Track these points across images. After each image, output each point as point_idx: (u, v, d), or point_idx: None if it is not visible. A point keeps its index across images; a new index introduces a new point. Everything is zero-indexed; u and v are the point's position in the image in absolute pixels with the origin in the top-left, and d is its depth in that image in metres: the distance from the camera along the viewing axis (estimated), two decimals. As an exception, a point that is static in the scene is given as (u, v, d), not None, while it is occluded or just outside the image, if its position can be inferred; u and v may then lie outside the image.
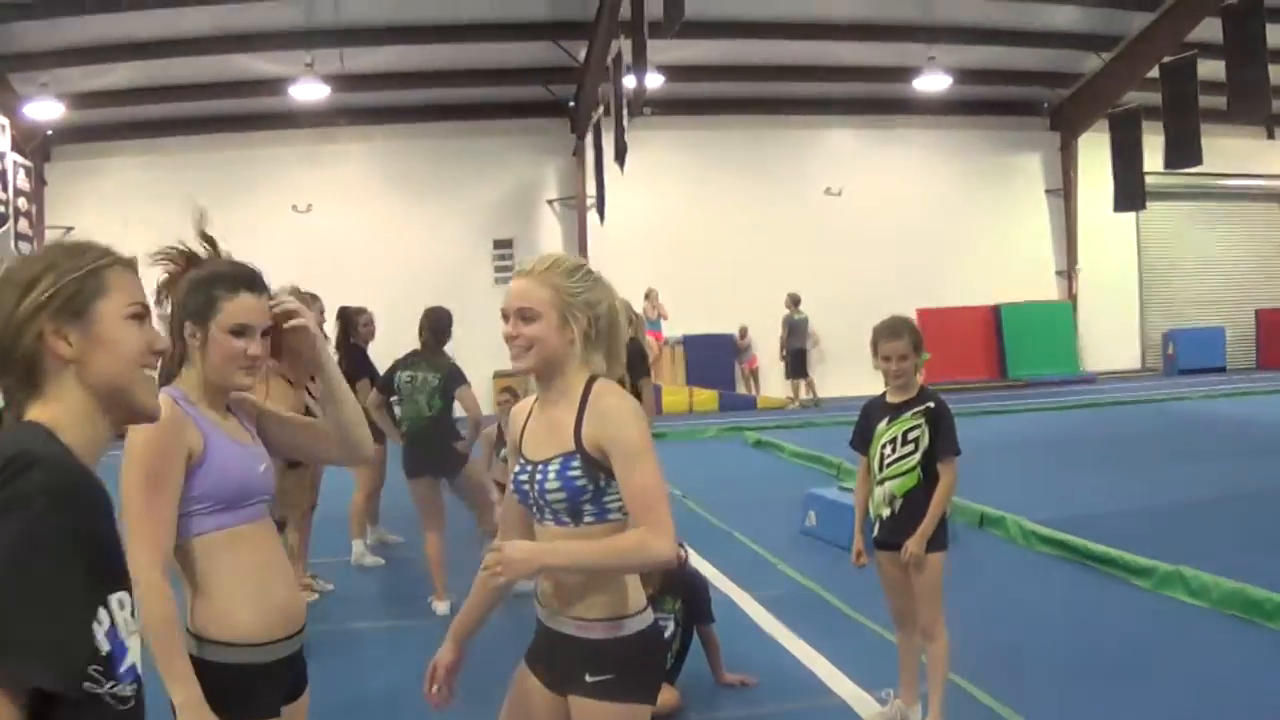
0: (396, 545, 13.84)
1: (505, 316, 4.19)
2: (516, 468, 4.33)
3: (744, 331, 33.53)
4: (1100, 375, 34.91)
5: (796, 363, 31.35)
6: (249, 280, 4.00)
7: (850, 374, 32.59)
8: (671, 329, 32.51)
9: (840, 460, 17.04)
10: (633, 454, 3.99)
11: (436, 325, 11.00)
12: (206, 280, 3.94)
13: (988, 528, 12.89)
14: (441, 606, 10.43)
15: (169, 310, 3.94)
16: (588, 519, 4.10)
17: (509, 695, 4.48)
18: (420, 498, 10.73)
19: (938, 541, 6.76)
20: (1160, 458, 18.27)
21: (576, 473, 4.07)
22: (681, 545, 7.95)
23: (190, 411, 3.82)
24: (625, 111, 27.21)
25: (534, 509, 4.24)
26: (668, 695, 7.42)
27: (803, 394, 31.28)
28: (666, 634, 7.64)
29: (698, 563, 11.39)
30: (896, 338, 7.00)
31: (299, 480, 10.38)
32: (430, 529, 10.67)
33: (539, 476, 4.15)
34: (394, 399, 11.07)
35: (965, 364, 33.94)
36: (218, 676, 3.69)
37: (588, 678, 4.06)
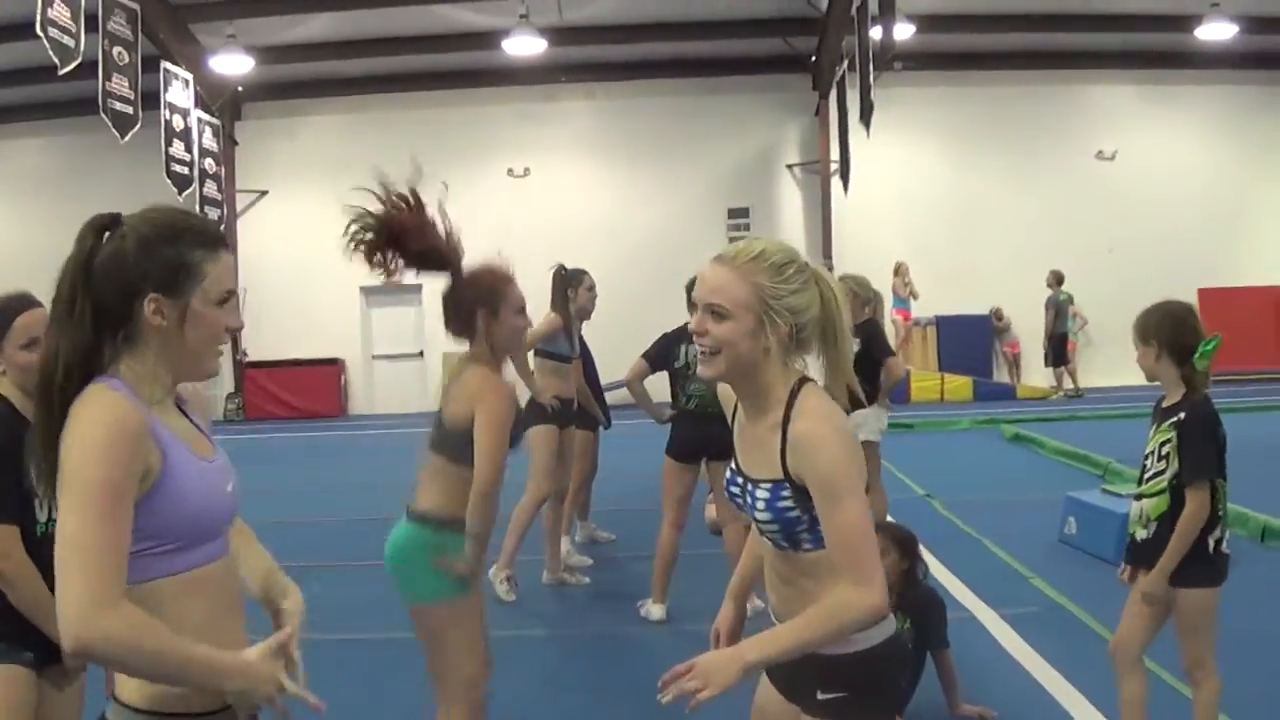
0: (607, 544, 13.76)
1: (694, 306, 4.00)
2: (729, 472, 4.23)
3: (999, 313, 33.04)
4: (1407, 369, 33.45)
5: (1058, 348, 30.70)
6: (222, 237, 3.52)
7: (1120, 361, 31.95)
8: (923, 309, 32.13)
9: (1108, 460, 16.63)
10: (832, 491, 3.76)
11: None
12: (169, 237, 3.33)
13: (1270, 542, 12.37)
14: (657, 611, 10.32)
15: None
16: (806, 546, 3.95)
17: (754, 700, 4.45)
18: (684, 486, 10.42)
19: (1198, 576, 6.21)
20: None
21: (788, 503, 3.90)
22: (920, 558, 7.66)
23: (145, 415, 3.22)
24: (871, 66, 26.85)
25: (753, 525, 4.14)
26: (893, 726, 7.18)
27: (1065, 383, 30.67)
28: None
29: (940, 573, 11.09)
30: (1136, 327, 6.61)
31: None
32: (675, 523, 10.40)
33: (749, 498, 4.04)
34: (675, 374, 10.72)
35: (1251, 352, 32.95)
36: None
37: (819, 695, 3.96)
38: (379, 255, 5.58)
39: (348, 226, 5.45)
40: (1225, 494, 6.23)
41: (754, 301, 3.87)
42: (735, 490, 4.16)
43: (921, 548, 7.71)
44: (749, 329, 3.87)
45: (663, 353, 10.64)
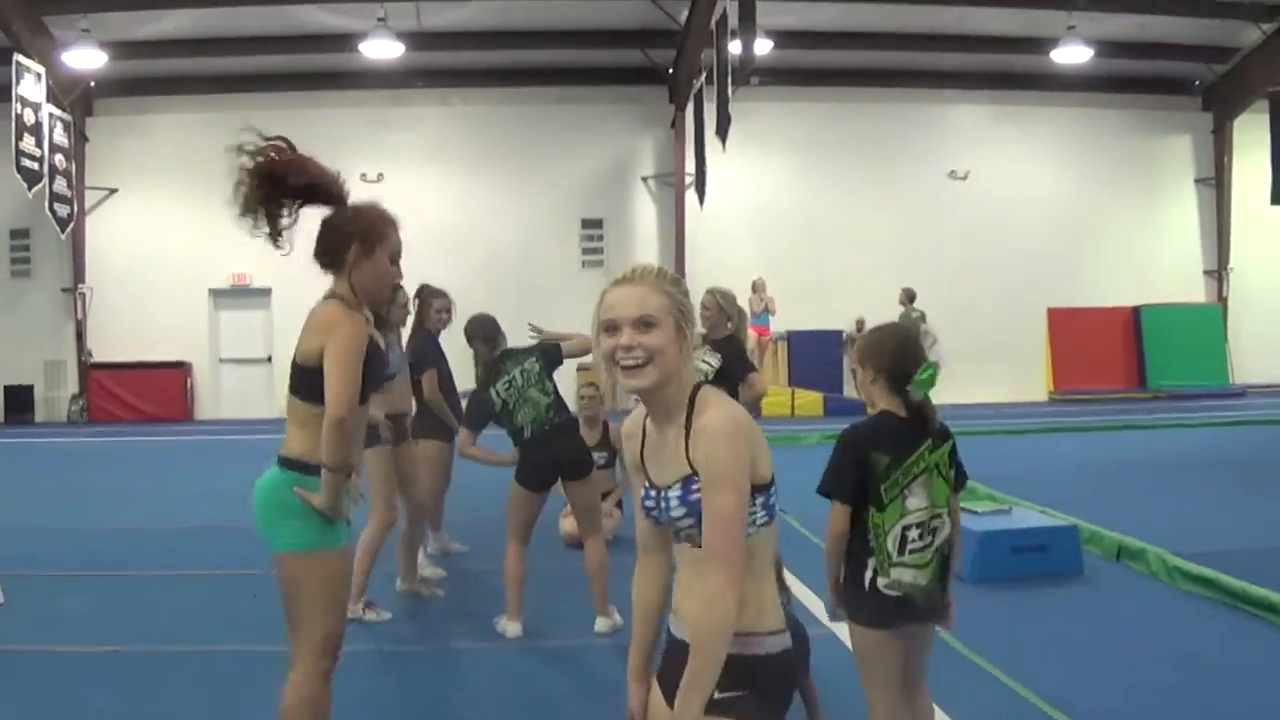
0: (460, 554, 13.62)
1: (613, 328, 4.13)
2: (642, 491, 4.34)
3: (861, 325, 33.23)
4: (1251, 389, 34.18)
5: (907, 367, 30.82)
6: None
7: (969, 379, 32.19)
8: (774, 324, 32.10)
9: (959, 478, 16.62)
10: (718, 479, 3.94)
11: (491, 333, 10.67)
12: None
13: (1126, 561, 12.36)
14: (513, 628, 10.15)
15: None
16: None
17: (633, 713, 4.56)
18: (530, 513, 10.29)
19: (851, 608, 6.09)
20: (1326, 485, 17.64)
21: (699, 493, 4.02)
22: (785, 585, 7.57)
23: None
24: (729, 80, 26.89)
25: (670, 532, 4.29)
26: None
27: (915, 402, 30.79)
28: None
29: (796, 589, 11.07)
30: (857, 350, 6.35)
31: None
32: (518, 539, 10.25)
33: (664, 503, 4.18)
34: (497, 414, 10.53)
35: (1100, 371, 33.56)
36: None
37: (716, 694, 3.97)
38: (267, 207, 5.79)
39: (235, 188, 5.73)
40: (883, 531, 5.87)
41: (671, 309, 4.11)
42: (650, 504, 4.25)
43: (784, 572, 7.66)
44: (673, 336, 4.08)
45: (478, 412, 10.59)
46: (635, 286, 4.13)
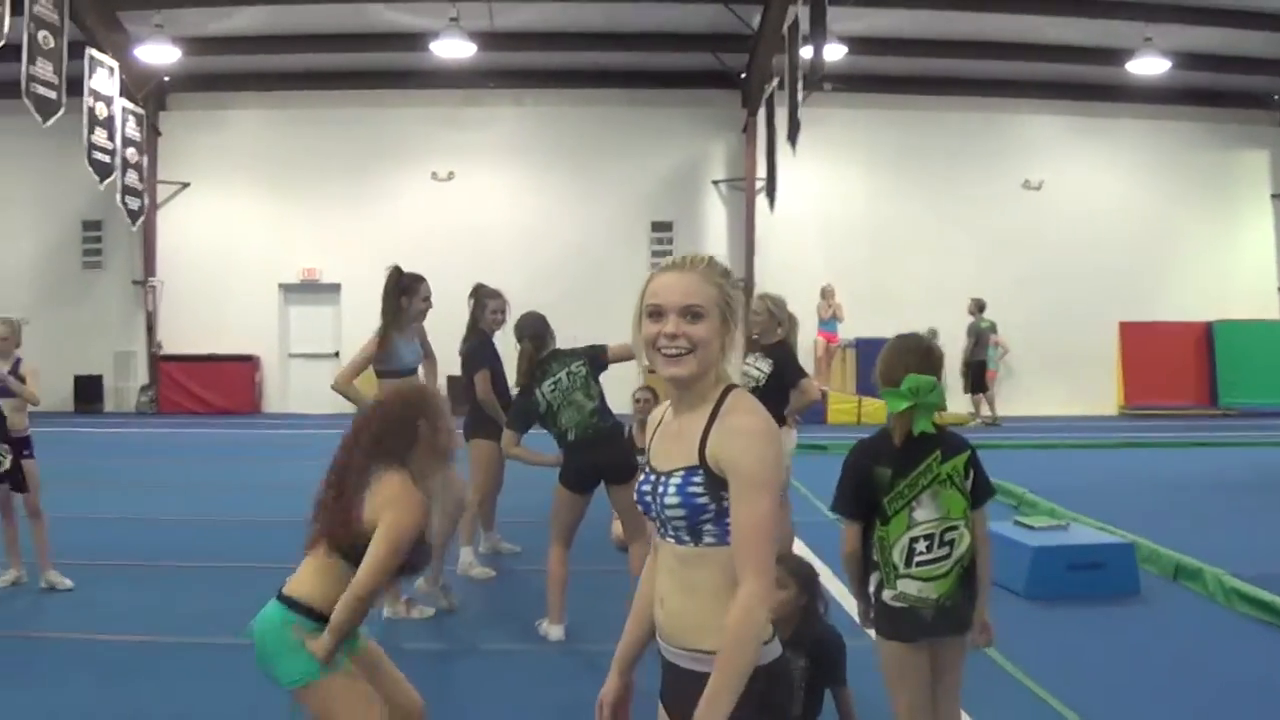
0: (511, 555, 13.66)
1: (658, 314, 4.11)
2: (641, 476, 4.28)
3: (934, 333, 32.93)
4: (1326, 408, 33.57)
5: (976, 376, 30.52)
6: None
7: (1038, 391, 31.95)
8: (842, 330, 31.98)
9: (1022, 490, 16.46)
10: (752, 485, 3.87)
11: (540, 331, 10.67)
12: None
13: (1183, 581, 12.18)
14: (555, 631, 10.16)
15: None
16: (708, 540, 4.01)
17: None
18: (574, 515, 10.29)
19: (876, 620, 6.11)
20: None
21: (698, 489, 3.99)
22: (821, 594, 7.47)
23: None
24: (801, 86, 26.78)
25: (656, 523, 4.18)
26: (791, 765, 7.02)
27: (983, 410, 30.53)
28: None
29: (846, 599, 10.99)
30: None
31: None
32: (560, 542, 10.25)
33: (660, 489, 4.09)
34: (541, 418, 10.48)
35: (1172, 387, 33.19)
36: None
37: None
38: None
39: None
40: (888, 544, 5.91)
41: (720, 301, 4.08)
42: (646, 489, 4.18)
43: (826, 578, 7.57)
44: (717, 328, 4.06)
45: (523, 412, 10.51)
46: (685, 274, 4.09)
